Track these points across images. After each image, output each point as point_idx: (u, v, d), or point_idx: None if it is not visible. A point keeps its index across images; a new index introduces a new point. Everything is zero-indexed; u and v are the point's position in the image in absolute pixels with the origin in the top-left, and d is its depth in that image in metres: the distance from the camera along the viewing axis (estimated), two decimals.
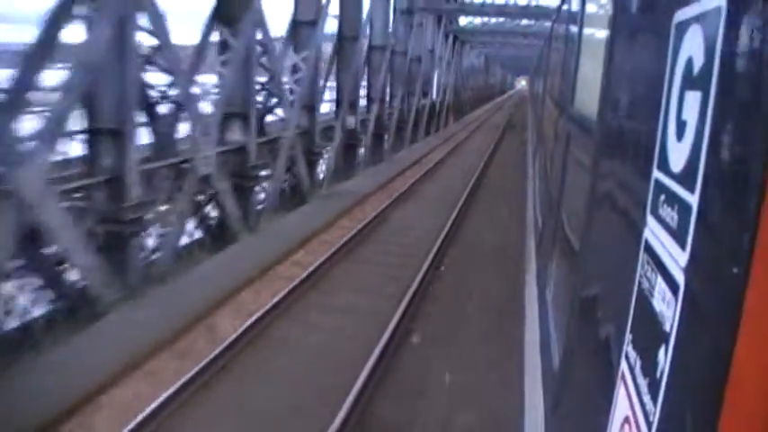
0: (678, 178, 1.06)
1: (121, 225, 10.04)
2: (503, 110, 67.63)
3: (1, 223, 7.87)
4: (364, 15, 22.71)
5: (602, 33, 2.43)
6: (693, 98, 1.02)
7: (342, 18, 21.04)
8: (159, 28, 11.02)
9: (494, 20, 42.46)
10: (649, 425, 1.03)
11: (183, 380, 7.41)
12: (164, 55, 11.39)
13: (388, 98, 27.54)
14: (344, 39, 21.25)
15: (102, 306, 9.31)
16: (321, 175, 19.86)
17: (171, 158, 11.76)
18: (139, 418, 6.54)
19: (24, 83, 8.69)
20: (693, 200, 0.97)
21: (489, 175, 23.88)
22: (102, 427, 6.55)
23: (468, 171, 23.31)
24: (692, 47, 1.04)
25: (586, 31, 3.62)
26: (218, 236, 13.26)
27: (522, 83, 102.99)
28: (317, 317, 9.91)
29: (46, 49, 9.13)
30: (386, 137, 26.51)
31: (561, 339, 2.49)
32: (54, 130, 9.03)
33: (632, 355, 1.21)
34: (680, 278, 1.00)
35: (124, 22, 10.16)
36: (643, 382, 1.10)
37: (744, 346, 0.76)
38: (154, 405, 6.84)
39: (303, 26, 17.97)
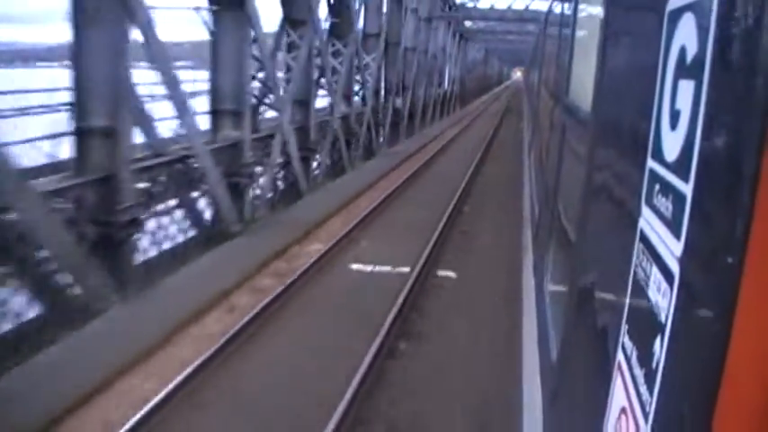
0: (672, 167, 0.93)
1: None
2: (500, 100, 63.87)
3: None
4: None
5: (596, 23, 2.13)
6: (687, 87, 0.90)
7: (388, 29, 25.14)
8: (322, 46, 16.11)
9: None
10: (646, 415, 0.90)
11: (349, 225, 11.77)
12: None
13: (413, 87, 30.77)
14: (390, 44, 25.75)
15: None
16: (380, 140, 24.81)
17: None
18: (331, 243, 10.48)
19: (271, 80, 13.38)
20: (688, 189, 0.85)
21: (494, 143, 27.86)
22: (323, 239, 11.11)
23: (478, 141, 27.63)
24: (685, 35, 0.92)
25: (581, 20, 3.17)
26: (335, 171, 18.71)
27: (517, 74, 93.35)
28: (405, 207, 14.58)
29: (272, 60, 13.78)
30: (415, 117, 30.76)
31: (559, 331, 2.26)
32: (290, 105, 14.20)
33: (629, 345, 1.05)
34: (675, 268, 0.86)
35: (311, 45, 14.97)
36: (639, 373, 0.96)
37: (739, 335, 0.68)
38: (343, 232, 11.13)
39: (370, 37, 22.94)
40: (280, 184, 14.76)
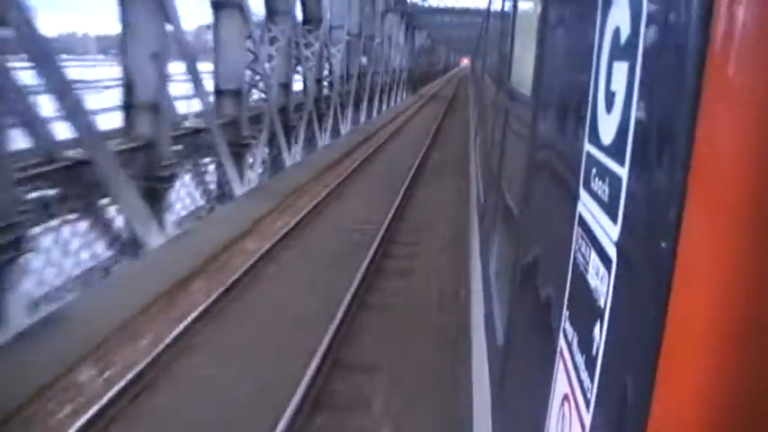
0: (608, 151, 0.84)
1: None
2: (457, 76, 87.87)
3: None
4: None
5: (534, 10, 1.99)
6: (621, 69, 0.80)
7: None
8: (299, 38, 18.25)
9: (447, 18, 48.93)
10: (587, 402, 0.81)
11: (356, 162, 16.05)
12: None
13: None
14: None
15: None
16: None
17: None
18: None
19: None
20: (623, 173, 0.76)
21: (458, 93, 43.76)
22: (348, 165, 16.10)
23: (452, 89, 48.37)
24: (619, 17, 0.84)
25: (520, 8, 2.96)
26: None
27: (464, 62, 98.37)
28: (398, 140, 18.73)
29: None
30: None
31: (504, 315, 2.03)
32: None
33: (570, 331, 0.95)
34: (612, 253, 0.78)
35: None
36: (581, 360, 0.86)
37: (673, 321, 0.61)
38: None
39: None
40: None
